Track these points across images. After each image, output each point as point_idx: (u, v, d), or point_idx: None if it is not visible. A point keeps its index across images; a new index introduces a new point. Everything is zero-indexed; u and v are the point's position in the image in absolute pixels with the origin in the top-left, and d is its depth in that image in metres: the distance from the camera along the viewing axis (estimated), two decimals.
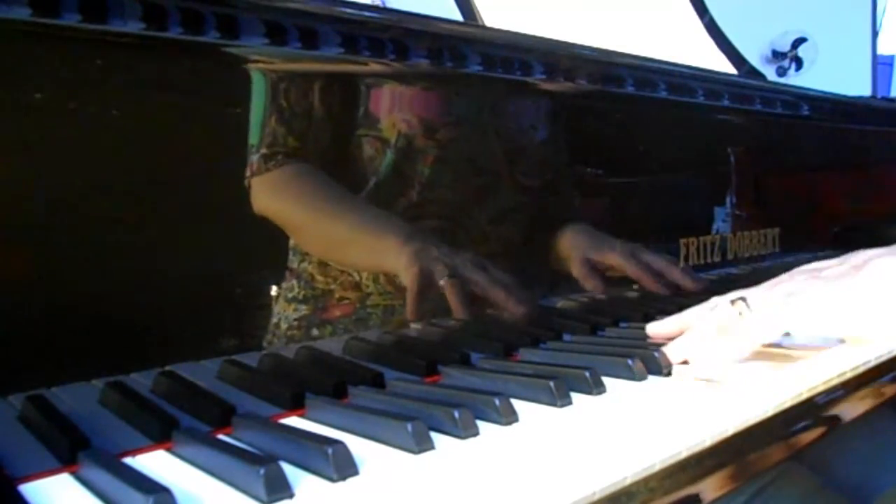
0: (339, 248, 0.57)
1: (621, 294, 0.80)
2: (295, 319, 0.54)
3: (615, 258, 0.79)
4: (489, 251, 0.67)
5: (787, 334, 0.61)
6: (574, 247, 0.75)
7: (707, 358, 0.58)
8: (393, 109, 0.59)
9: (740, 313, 0.60)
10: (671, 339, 0.64)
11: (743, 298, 0.61)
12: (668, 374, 0.60)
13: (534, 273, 0.73)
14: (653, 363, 0.60)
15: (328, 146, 0.56)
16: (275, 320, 0.53)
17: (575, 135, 0.77)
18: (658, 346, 0.62)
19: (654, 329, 0.69)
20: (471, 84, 0.67)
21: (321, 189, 0.57)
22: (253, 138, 0.52)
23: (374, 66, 0.58)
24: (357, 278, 0.58)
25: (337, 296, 0.57)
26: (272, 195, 0.52)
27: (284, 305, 0.54)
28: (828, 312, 0.59)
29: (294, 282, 0.54)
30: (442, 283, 0.60)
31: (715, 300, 0.64)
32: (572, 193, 0.76)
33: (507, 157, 0.69)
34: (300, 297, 0.55)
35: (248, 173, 0.51)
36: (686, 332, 0.63)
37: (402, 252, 0.59)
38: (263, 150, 0.51)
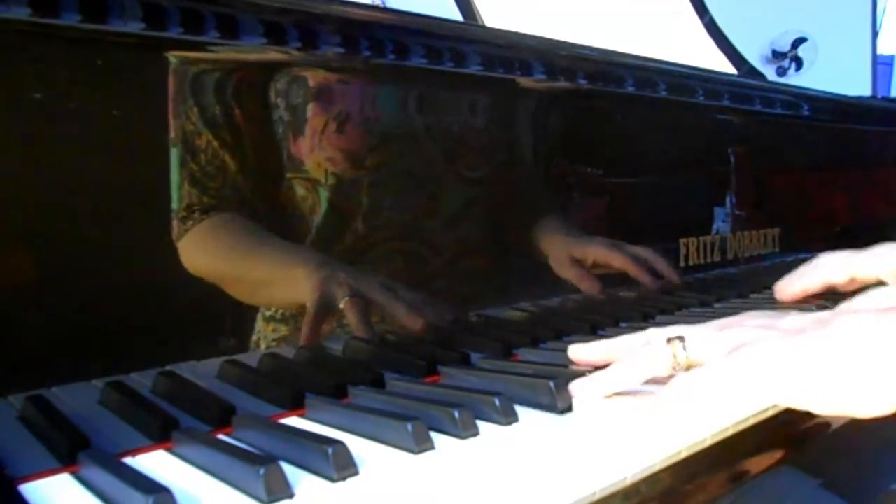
0: (260, 290, 0.55)
1: (621, 294, 0.80)
2: (273, 340, 0.54)
3: (597, 250, 0.75)
4: (476, 251, 0.66)
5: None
6: (553, 244, 0.72)
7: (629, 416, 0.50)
8: (314, 148, 0.56)
9: (675, 356, 0.51)
10: (593, 365, 0.57)
11: (681, 338, 0.51)
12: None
13: (510, 275, 0.72)
14: None
15: (257, 195, 0.54)
16: (255, 338, 0.53)
17: (574, 135, 0.77)
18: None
19: (577, 353, 0.59)
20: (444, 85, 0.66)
21: (234, 237, 0.55)
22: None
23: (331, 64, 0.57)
24: None
25: None
26: (197, 252, 0.50)
27: (263, 325, 0.53)
28: (780, 376, 0.46)
29: None
30: (342, 305, 0.58)
31: (649, 333, 0.55)
32: (564, 193, 0.76)
33: (488, 160, 0.68)
34: (278, 316, 0.54)
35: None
36: (610, 367, 0.53)
37: (310, 279, 0.57)
38: (182, 209, 0.50)
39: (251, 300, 0.54)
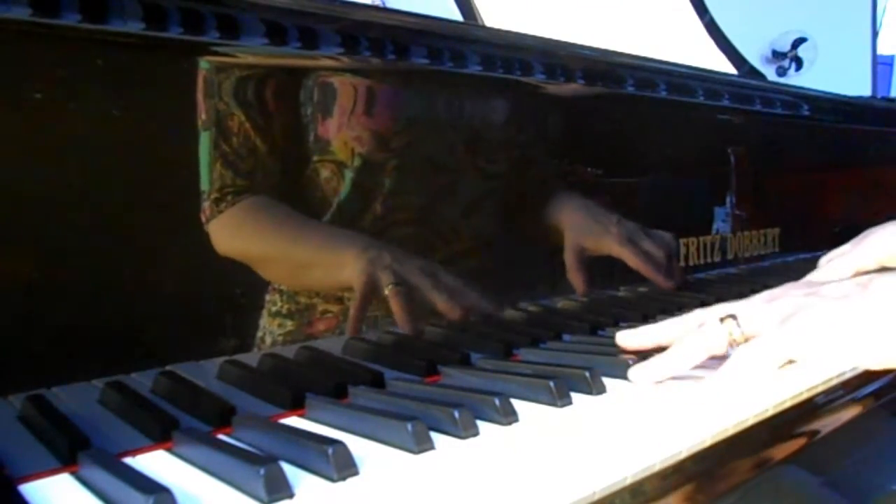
0: (302, 273, 0.56)
1: (621, 294, 0.80)
2: (280, 335, 0.54)
3: (611, 245, 0.76)
4: (473, 250, 0.66)
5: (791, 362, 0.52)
6: (569, 227, 0.73)
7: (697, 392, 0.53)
8: (342, 128, 0.57)
9: (730, 333, 0.53)
10: (642, 351, 0.60)
11: (733, 316, 0.54)
12: None
13: (525, 266, 0.72)
14: None
15: (282, 177, 0.55)
16: (260, 334, 0.53)
17: (574, 135, 0.77)
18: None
19: (625, 340, 0.61)
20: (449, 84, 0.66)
21: (275, 218, 0.56)
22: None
23: (327, 62, 0.57)
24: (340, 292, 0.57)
25: (320, 309, 0.56)
26: (230, 234, 0.51)
27: (269, 320, 0.54)
28: (836, 337, 0.50)
29: (277, 296, 0.54)
30: (386, 291, 0.58)
31: (701, 315, 0.58)
32: (567, 192, 0.76)
33: (485, 157, 0.68)
34: (284, 311, 0.54)
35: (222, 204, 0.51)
36: (668, 351, 0.56)
37: (356, 262, 0.58)
38: (215, 192, 0.50)
39: (289, 282, 0.54)
